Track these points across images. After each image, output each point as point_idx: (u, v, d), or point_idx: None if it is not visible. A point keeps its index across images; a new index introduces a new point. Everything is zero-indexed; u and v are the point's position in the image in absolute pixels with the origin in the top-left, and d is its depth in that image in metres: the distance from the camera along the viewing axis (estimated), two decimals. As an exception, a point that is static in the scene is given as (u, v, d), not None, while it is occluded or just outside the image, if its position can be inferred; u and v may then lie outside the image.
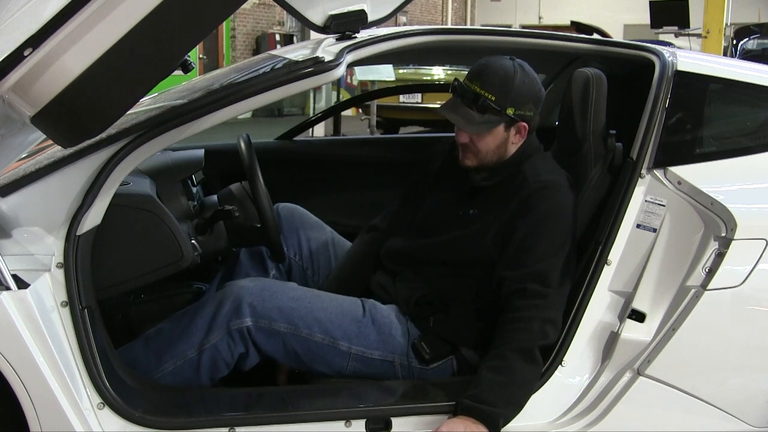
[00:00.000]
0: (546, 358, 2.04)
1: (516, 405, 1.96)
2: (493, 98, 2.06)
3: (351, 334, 2.10)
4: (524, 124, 2.13)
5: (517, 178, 2.14)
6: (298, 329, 2.06)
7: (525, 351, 1.97)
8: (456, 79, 2.13)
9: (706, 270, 2.02)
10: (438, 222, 2.24)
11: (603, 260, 2.09)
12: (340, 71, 1.97)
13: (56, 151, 1.89)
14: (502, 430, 1.92)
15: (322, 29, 2.16)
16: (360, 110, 10.42)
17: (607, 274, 2.09)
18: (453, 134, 2.20)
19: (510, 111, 2.08)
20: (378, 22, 2.21)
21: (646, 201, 2.12)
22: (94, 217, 1.87)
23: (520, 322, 1.99)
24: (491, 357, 1.98)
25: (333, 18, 2.13)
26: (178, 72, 1.91)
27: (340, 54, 1.98)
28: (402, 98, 10.13)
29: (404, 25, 17.58)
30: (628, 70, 2.49)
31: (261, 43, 15.45)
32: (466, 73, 2.13)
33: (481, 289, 2.13)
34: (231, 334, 2.04)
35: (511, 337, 1.98)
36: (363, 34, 2.21)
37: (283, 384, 2.20)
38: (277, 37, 15.42)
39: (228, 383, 2.12)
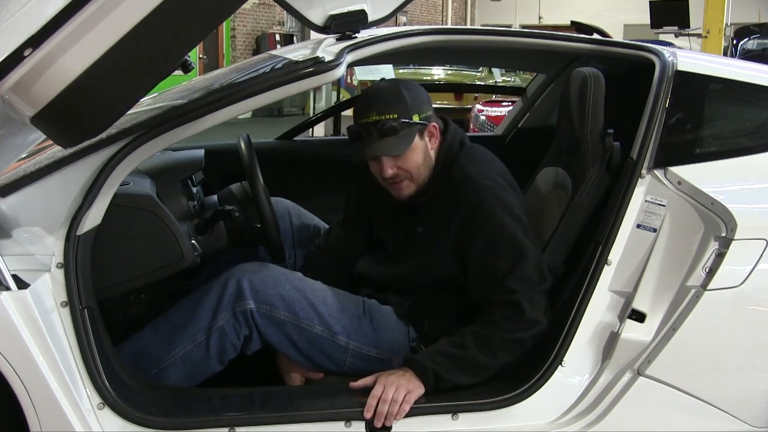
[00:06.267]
0: (545, 358, 2.05)
1: (453, 373, 2.00)
2: (395, 115, 2.08)
3: (350, 330, 2.12)
4: (433, 124, 2.15)
5: (451, 188, 2.14)
6: (298, 319, 2.08)
7: (482, 337, 2.01)
8: (350, 126, 2.14)
9: (707, 270, 2.02)
10: (392, 246, 2.27)
11: (603, 260, 2.09)
12: (341, 71, 1.97)
13: (56, 151, 1.89)
14: (512, 428, 1.93)
15: (323, 29, 2.16)
16: (360, 110, 10.38)
17: (607, 274, 2.09)
18: None
19: (416, 118, 2.10)
20: (378, 22, 2.21)
21: (646, 201, 2.12)
22: (94, 217, 1.87)
23: (490, 315, 2.04)
24: (455, 334, 2.05)
25: (333, 18, 2.13)
26: (178, 72, 1.91)
27: (341, 54, 1.98)
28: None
29: (404, 25, 17.57)
30: (628, 70, 2.49)
31: (261, 43, 15.45)
32: (353, 117, 2.15)
33: (463, 295, 2.15)
34: (236, 315, 2.06)
35: (478, 326, 2.04)
36: (363, 34, 2.21)
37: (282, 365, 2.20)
38: (277, 37, 15.42)
39: (230, 383, 2.12)
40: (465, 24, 23.73)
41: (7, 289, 1.71)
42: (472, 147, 2.24)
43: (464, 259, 2.11)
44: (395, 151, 2.09)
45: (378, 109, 2.09)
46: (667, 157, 2.14)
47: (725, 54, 10.03)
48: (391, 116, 2.07)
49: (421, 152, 2.13)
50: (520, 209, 2.13)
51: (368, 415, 1.93)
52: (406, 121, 2.08)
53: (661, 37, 11.47)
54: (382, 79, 2.18)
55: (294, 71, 1.93)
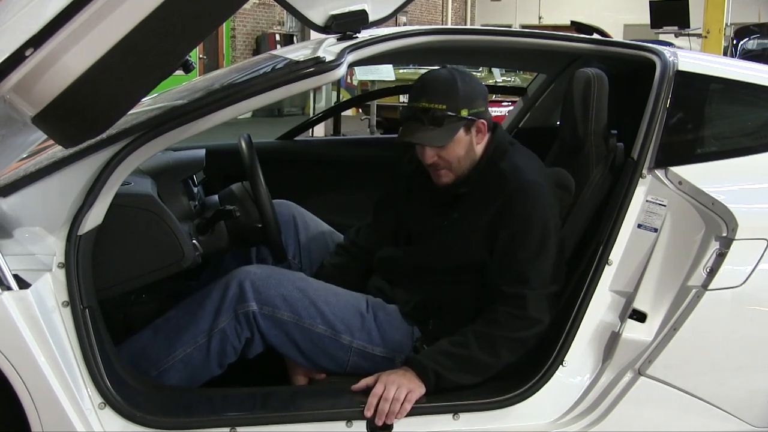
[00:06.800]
0: (546, 358, 2.05)
1: (454, 373, 2.00)
2: (444, 106, 2.08)
3: (354, 328, 2.11)
4: (482, 121, 2.15)
5: (497, 177, 2.14)
6: (301, 319, 2.08)
7: (484, 336, 2.02)
8: (402, 107, 2.12)
9: (707, 270, 2.02)
10: (424, 230, 2.25)
11: (604, 260, 2.09)
12: (341, 71, 1.97)
13: (57, 151, 1.89)
14: (513, 428, 1.93)
15: (323, 29, 2.16)
16: (360, 110, 10.42)
17: (608, 274, 2.09)
18: None
19: (464, 112, 2.10)
20: (379, 22, 2.21)
21: (647, 201, 2.12)
22: (95, 217, 1.87)
23: (492, 314, 2.04)
24: (456, 333, 2.06)
25: (334, 18, 2.13)
26: (179, 72, 1.91)
27: (341, 54, 1.98)
28: (402, 98, 10.08)
29: (404, 25, 17.57)
30: (628, 70, 2.49)
31: (261, 43, 15.45)
32: (408, 97, 2.15)
33: (474, 294, 2.14)
34: (238, 317, 2.05)
35: (479, 325, 2.05)
36: (364, 34, 2.21)
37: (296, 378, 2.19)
38: (277, 37, 15.42)
39: (230, 383, 2.12)
40: (465, 24, 23.72)
41: (9, 288, 1.71)
42: (524, 148, 2.26)
43: (491, 244, 2.10)
44: (436, 142, 2.10)
45: (429, 96, 2.09)
46: (667, 157, 2.14)
47: (725, 54, 10.03)
48: (440, 107, 2.08)
49: (464, 146, 2.13)
50: (557, 210, 2.15)
51: (369, 413, 1.93)
52: (453, 114, 2.08)
53: (661, 37, 11.47)
54: (444, 66, 2.18)
55: (295, 71, 1.93)
